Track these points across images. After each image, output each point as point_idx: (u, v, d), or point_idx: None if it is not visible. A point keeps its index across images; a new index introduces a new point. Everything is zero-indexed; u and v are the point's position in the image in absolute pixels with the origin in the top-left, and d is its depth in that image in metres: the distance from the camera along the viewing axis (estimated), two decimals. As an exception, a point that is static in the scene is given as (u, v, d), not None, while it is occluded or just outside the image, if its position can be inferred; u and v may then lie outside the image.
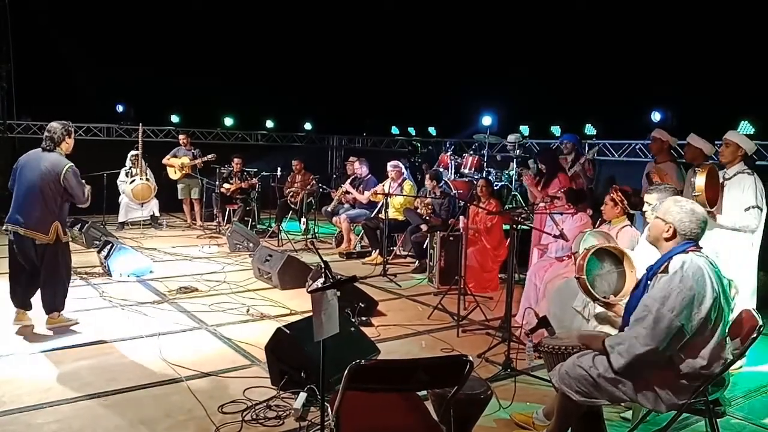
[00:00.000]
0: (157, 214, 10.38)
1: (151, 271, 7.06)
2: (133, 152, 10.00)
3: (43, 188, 4.78)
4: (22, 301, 5.05)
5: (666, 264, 2.81)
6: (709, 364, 2.74)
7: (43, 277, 4.93)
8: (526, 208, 6.38)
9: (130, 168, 10.00)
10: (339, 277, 2.78)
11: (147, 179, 9.93)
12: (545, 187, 6.67)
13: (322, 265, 3.06)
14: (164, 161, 10.38)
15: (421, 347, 4.91)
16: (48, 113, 11.25)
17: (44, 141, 4.89)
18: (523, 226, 5.94)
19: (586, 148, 8.66)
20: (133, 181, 9.82)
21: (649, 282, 2.90)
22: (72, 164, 4.87)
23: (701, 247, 2.86)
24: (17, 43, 10.82)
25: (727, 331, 2.84)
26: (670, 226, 2.85)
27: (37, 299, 5.06)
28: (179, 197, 10.65)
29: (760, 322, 2.86)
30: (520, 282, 5.90)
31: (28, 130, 11.24)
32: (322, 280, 2.87)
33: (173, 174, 10.41)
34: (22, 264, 4.94)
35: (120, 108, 12.68)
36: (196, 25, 11.85)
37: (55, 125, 4.91)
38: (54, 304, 4.99)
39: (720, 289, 2.74)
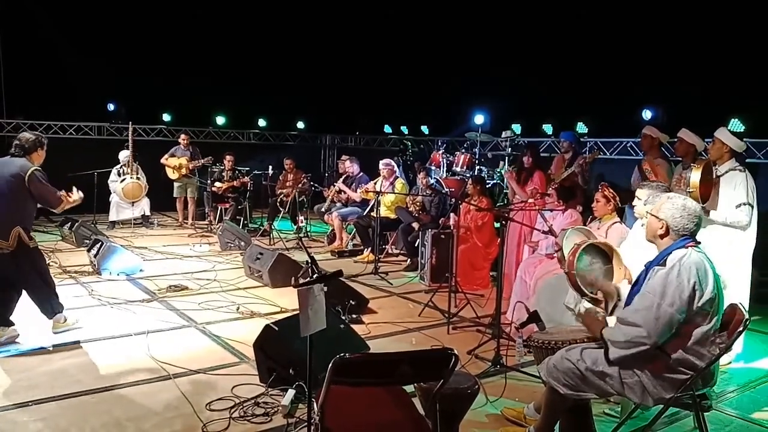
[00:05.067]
0: (148, 213, 10.30)
1: (141, 270, 7.02)
2: (126, 152, 9.91)
3: (5, 191, 4.50)
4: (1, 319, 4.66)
5: (665, 259, 2.80)
6: (698, 357, 2.74)
7: (22, 288, 4.68)
8: (513, 205, 6.36)
9: (121, 167, 9.94)
10: (324, 272, 2.76)
11: (138, 178, 9.86)
12: (524, 184, 6.68)
13: (309, 261, 3.04)
14: (162, 161, 10.29)
15: (411, 344, 4.90)
16: (39, 112, 11.38)
17: (14, 148, 4.65)
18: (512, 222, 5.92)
19: (586, 152, 8.60)
20: (124, 180, 9.76)
21: (646, 276, 2.88)
22: (38, 167, 4.62)
23: (699, 242, 2.85)
24: (8, 41, 10.76)
25: (719, 325, 2.82)
26: (663, 223, 2.86)
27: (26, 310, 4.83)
28: (174, 195, 10.54)
29: (746, 317, 2.86)
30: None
31: (19, 128, 11.14)
32: (310, 276, 2.84)
33: (171, 174, 10.30)
34: None
35: (111, 106, 12.62)
36: (188, 23, 11.81)
37: (27, 135, 4.69)
38: (51, 309, 4.77)
39: (717, 283, 2.75)
